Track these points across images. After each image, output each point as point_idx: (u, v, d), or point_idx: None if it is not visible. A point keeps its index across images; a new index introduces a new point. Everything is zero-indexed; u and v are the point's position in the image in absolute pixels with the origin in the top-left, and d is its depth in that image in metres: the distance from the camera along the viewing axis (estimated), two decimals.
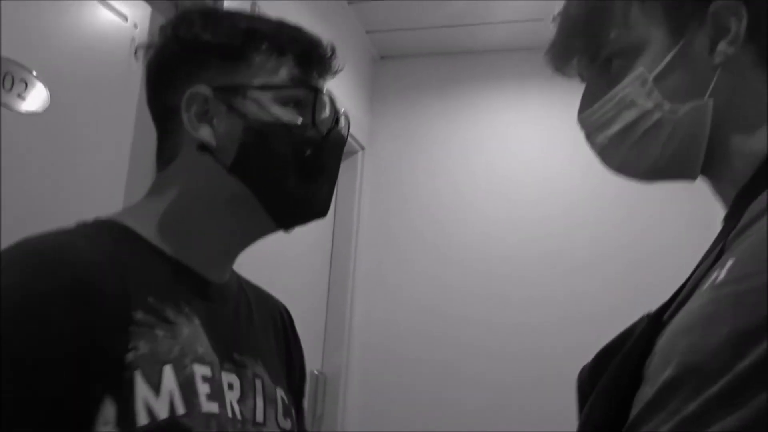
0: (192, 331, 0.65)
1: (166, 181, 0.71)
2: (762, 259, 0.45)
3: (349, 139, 2.49)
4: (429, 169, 2.65)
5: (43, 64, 1.15)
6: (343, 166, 2.47)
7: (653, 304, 0.60)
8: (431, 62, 2.76)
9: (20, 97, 1.10)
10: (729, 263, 0.48)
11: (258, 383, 0.72)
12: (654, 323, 0.58)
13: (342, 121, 0.76)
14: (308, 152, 0.70)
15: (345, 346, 2.47)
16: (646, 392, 0.49)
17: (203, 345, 0.66)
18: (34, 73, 1.13)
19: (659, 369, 0.49)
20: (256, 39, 0.70)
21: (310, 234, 2.34)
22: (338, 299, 2.52)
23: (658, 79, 0.59)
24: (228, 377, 0.68)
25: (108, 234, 0.66)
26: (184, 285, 0.68)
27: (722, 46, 0.59)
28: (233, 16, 0.75)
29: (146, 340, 0.59)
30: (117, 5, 1.34)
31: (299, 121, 0.69)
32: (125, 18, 1.37)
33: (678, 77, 0.59)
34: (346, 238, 2.57)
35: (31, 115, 1.12)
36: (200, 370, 0.64)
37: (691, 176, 0.63)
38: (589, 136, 0.66)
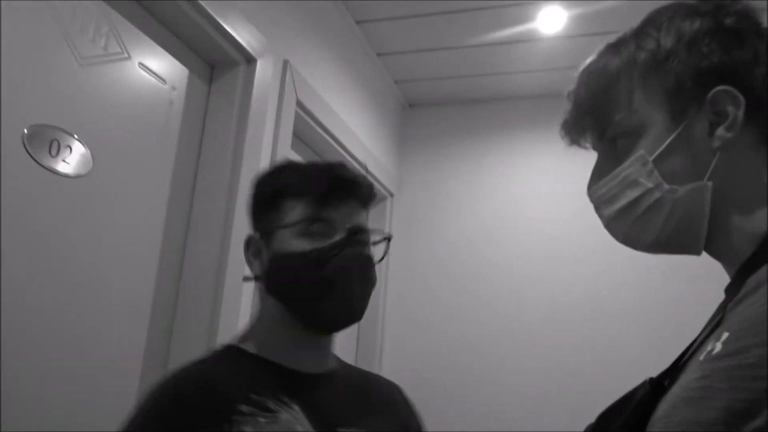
0: (291, 415, 0.80)
1: (257, 308, 0.94)
2: (755, 334, 0.46)
3: (378, 186, 2.53)
4: (456, 214, 2.66)
5: (85, 125, 1.20)
6: (372, 214, 2.52)
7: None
8: (458, 110, 2.80)
9: (65, 162, 1.15)
10: (724, 336, 0.50)
11: None
12: (655, 388, 0.59)
13: (366, 238, 0.90)
14: (317, 272, 0.83)
15: None
16: None
17: (303, 424, 0.81)
18: (77, 137, 1.18)
19: None
20: (282, 189, 0.89)
21: None
22: (368, 341, 2.52)
23: (658, 161, 0.62)
24: None
25: (225, 355, 0.90)
26: (282, 381, 0.85)
27: (721, 131, 0.60)
28: (273, 173, 0.95)
29: (251, 425, 0.77)
30: (156, 69, 1.40)
31: (309, 248, 0.85)
32: (164, 81, 1.43)
33: (678, 159, 0.62)
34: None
35: (76, 178, 1.17)
36: None
37: (694, 252, 0.65)
38: (598, 209, 0.70)
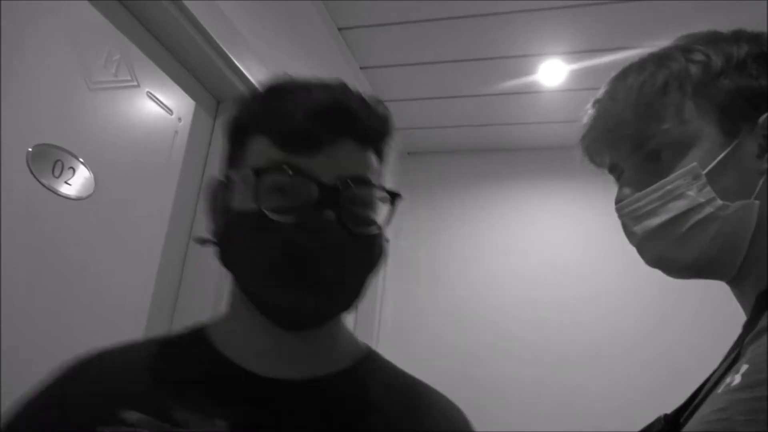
0: None
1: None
2: None
3: None
4: (453, 261, 2.65)
5: (90, 149, 1.19)
6: None
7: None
8: (457, 159, 2.83)
9: (68, 183, 1.14)
10: (743, 369, 0.48)
11: None
12: (670, 425, 0.57)
13: (362, 195, 0.62)
14: (271, 246, 0.57)
15: None
16: None
17: None
18: (81, 159, 1.17)
19: None
20: (246, 120, 0.63)
21: None
22: None
23: (709, 175, 0.60)
24: None
25: (172, 341, 0.67)
26: (223, 384, 0.60)
27: (762, 155, 0.60)
28: (255, 93, 0.66)
29: None
30: (163, 99, 1.41)
31: (267, 207, 0.57)
32: (170, 111, 1.44)
33: (728, 176, 0.60)
34: (368, 329, 2.54)
35: (77, 200, 1.16)
36: None
37: (726, 276, 0.63)
38: (629, 225, 0.65)
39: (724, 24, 0.67)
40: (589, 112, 0.70)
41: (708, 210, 0.60)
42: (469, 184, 2.77)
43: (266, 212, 0.57)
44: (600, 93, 0.69)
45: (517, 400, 2.36)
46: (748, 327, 0.58)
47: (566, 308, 2.43)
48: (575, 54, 2.09)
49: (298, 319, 0.60)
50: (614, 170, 0.70)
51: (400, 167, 2.88)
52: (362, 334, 2.52)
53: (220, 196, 0.63)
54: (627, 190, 0.65)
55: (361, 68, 2.34)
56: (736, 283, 0.64)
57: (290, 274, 0.57)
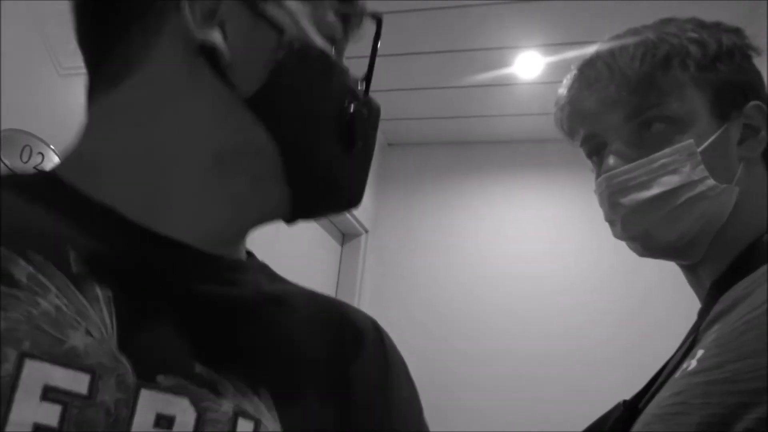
0: (68, 305, 0.35)
1: (121, 107, 0.44)
2: (729, 350, 0.46)
3: (354, 222, 2.48)
4: (431, 252, 2.67)
5: (60, 135, 1.19)
6: (347, 249, 2.47)
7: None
8: (436, 151, 2.84)
9: (36, 169, 1.14)
10: (699, 353, 0.49)
11: (245, 426, 0.39)
12: (629, 410, 0.58)
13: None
14: (352, 109, 0.47)
15: None
16: None
17: (81, 334, 0.35)
18: (51, 145, 1.17)
19: None
20: None
21: None
22: None
23: (702, 155, 0.60)
24: (158, 402, 0.36)
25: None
26: (107, 241, 0.40)
27: (751, 143, 0.62)
28: None
29: None
30: None
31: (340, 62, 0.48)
32: None
33: (716, 159, 0.61)
34: None
35: None
36: (40, 372, 0.33)
37: (694, 259, 0.63)
38: (613, 196, 0.63)
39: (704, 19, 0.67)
40: (573, 75, 0.68)
41: (700, 188, 0.60)
42: (447, 176, 2.78)
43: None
44: (589, 57, 0.66)
45: (492, 390, 2.39)
46: (703, 314, 0.60)
47: (543, 299, 2.45)
48: (552, 46, 2.11)
49: (346, 190, 0.52)
50: (589, 141, 0.68)
51: (379, 158, 2.89)
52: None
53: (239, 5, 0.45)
54: (615, 161, 0.63)
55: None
56: (693, 268, 0.65)
57: (358, 135, 0.49)
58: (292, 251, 2.23)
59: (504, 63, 2.22)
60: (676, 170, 0.60)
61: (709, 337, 0.51)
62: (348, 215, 2.48)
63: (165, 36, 0.42)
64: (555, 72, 2.21)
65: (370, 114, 0.50)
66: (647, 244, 0.64)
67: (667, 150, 0.61)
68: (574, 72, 0.68)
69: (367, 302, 2.62)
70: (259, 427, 0.40)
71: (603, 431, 0.61)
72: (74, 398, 0.34)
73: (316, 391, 0.45)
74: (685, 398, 0.47)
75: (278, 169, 0.45)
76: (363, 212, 2.63)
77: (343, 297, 2.57)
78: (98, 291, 0.37)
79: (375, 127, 0.52)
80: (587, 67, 0.66)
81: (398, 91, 2.51)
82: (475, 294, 2.54)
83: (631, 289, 2.33)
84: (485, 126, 2.68)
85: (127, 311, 0.38)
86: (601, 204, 0.67)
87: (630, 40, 0.64)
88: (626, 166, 0.62)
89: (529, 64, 2.22)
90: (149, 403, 0.36)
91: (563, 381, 2.32)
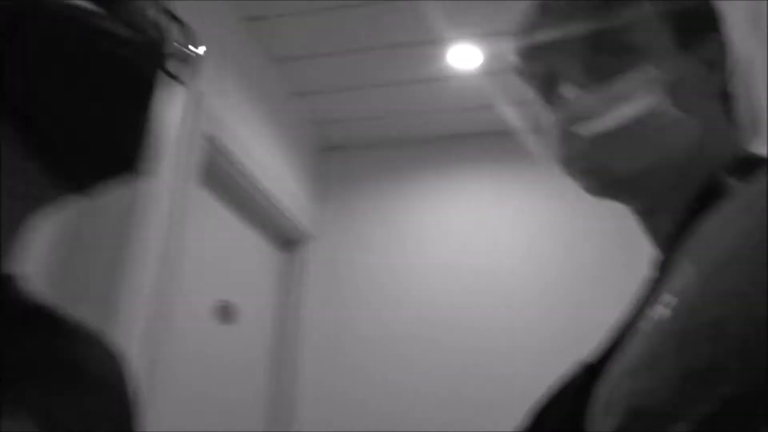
0: None
1: None
2: (706, 292, 0.41)
3: (299, 227, 2.41)
4: (379, 254, 2.62)
5: None
6: (291, 256, 2.40)
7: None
8: (377, 151, 2.80)
9: None
10: (668, 300, 0.44)
11: None
12: (590, 372, 0.53)
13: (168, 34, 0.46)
14: (106, 50, 0.40)
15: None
16: None
17: None
18: None
19: (602, 419, 0.44)
20: None
21: (251, 327, 2.23)
22: (283, 393, 2.38)
23: (663, 85, 0.57)
24: None
25: None
26: None
27: (710, 76, 0.60)
28: None
29: None
30: None
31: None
32: None
33: (676, 89, 0.58)
34: (293, 327, 2.46)
35: None
36: None
37: (656, 198, 0.60)
38: (570, 127, 0.59)
39: None
40: (532, 5, 0.65)
41: (661, 119, 0.57)
42: (390, 177, 2.74)
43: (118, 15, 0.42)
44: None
45: (445, 394, 2.35)
46: (663, 265, 0.55)
47: (496, 295, 2.43)
48: (488, 37, 2.09)
49: (108, 152, 0.43)
50: (543, 75, 0.64)
51: (318, 162, 2.81)
52: (284, 337, 2.44)
53: None
54: (572, 91, 0.59)
55: (273, 60, 2.26)
56: (651, 214, 0.62)
57: (117, 86, 0.42)
58: (232, 264, 2.13)
59: (440, 56, 2.20)
60: (636, 99, 0.57)
61: (678, 281, 0.46)
62: (290, 220, 2.39)
63: None
64: (491, 63, 2.20)
65: (147, 61, 0.43)
66: (604, 179, 0.60)
67: (628, 77, 0.57)
68: (533, 2, 0.65)
69: (313, 311, 2.54)
70: None
71: (563, 399, 0.56)
72: None
73: None
74: (658, 349, 0.42)
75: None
76: (308, 219, 2.56)
77: (290, 308, 2.48)
78: None
79: (146, 63, 0.44)
80: None
81: (334, 93, 2.45)
82: (426, 289, 2.50)
83: (580, 280, 2.34)
84: (426, 123, 2.65)
85: None
86: (556, 140, 0.62)
87: None
88: (585, 96, 0.59)
89: (466, 56, 2.20)
90: None
91: (514, 377, 2.30)
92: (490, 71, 2.23)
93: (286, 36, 2.15)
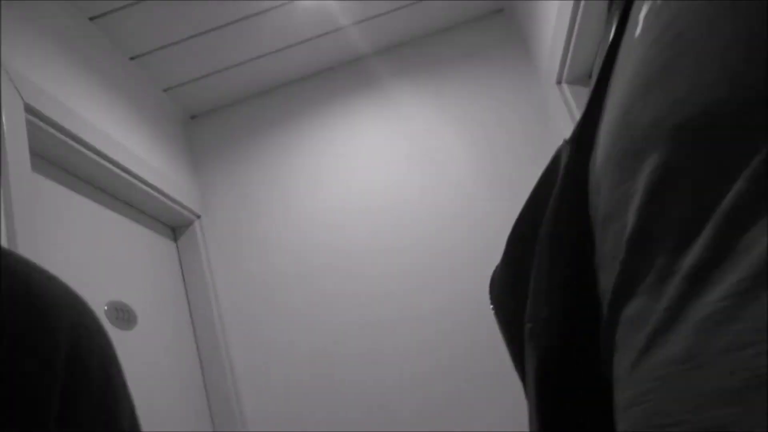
0: None
1: None
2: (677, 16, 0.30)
3: (181, 210, 2.16)
4: (275, 211, 2.45)
5: None
6: (182, 242, 2.16)
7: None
8: (243, 107, 2.60)
9: None
10: (643, 11, 0.33)
11: None
12: (578, 149, 0.42)
13: None
14: None
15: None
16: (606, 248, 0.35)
17: None
18: None
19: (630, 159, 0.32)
20: None
21: (166, 326, 2.00)
22: (214, 366, 2.18)
23: None
24: None
25: None
26: None
27: None
28: None
29: None
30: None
31: None
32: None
33: None
34: (207, 314, 2.25)
35: None
36: None
37: None
38: None
39: None
40: None
41: None
42: (265, 129, 2.55)
43: None
44: None
45: (373, 345, 2.24)
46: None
47: (405, 230, 2.33)
48: None
49: None
50: None
51: (185, 134, 2.58)
52: (202, 321, 2.23)
53: None
54: None
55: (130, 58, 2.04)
56: None
57: None
58: (117, 262, 1.88)
59: None
60: None
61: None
62: (169, 204, 2.16)
63: None
64: None
65: None
66: None
67: None
68: None
69: (222, 291, 2.34)
70: None
71: (552, 181, 0.45)
72: None
73: None
74: (668, 62, 0.30)
75: None
76: (188, 198, 2.33)
77: (195, 293, 2.27)
78: None
79: None
80: None
81: (172, 45, 2.19)
82: (332, 235, 2.37)
83: (494, 185, 2.28)
84: (280, 64, 2.45)
85: None
86: None
87: None
88: None
89: None
90: None
91: (425, 301, 2.22)
92: None
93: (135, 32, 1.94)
